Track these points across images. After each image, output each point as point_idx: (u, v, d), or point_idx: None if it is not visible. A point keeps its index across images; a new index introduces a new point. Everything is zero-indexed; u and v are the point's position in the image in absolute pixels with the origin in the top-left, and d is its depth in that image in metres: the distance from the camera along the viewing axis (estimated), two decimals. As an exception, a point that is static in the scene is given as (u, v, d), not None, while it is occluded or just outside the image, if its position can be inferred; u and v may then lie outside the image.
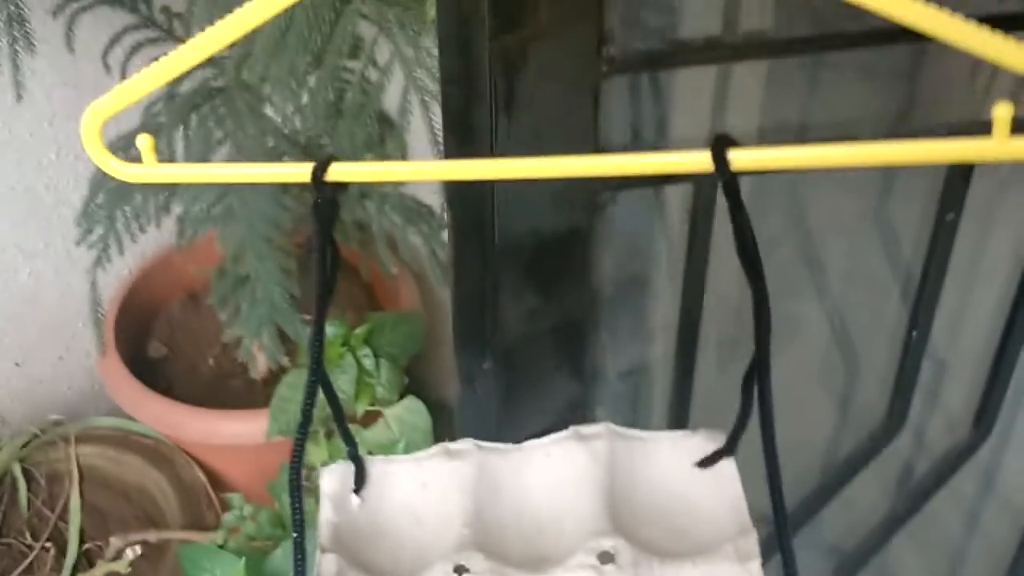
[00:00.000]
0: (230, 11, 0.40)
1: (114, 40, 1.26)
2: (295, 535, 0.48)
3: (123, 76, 1.27)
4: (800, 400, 0.91)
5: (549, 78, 0.55)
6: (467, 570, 0.47)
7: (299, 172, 0.44)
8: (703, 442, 0.52)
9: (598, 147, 0.59)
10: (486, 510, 0.50)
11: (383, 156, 1.09)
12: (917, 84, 0.77)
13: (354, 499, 0.52)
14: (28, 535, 1.40)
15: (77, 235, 1.23)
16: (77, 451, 1.47)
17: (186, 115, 1.14)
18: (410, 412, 1.21)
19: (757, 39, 0.60)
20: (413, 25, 0.97)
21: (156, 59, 0.42)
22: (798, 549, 0.86)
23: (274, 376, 1.39)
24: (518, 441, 0.53)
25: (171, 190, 1.20)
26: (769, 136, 0.77)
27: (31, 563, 1.37)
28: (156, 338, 1.56)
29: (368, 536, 0.51)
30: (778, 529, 0.46)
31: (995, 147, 0.37)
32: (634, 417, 0.89)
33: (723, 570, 0.46)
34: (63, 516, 1.41)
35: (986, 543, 0.96)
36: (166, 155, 1.14)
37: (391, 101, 1.05)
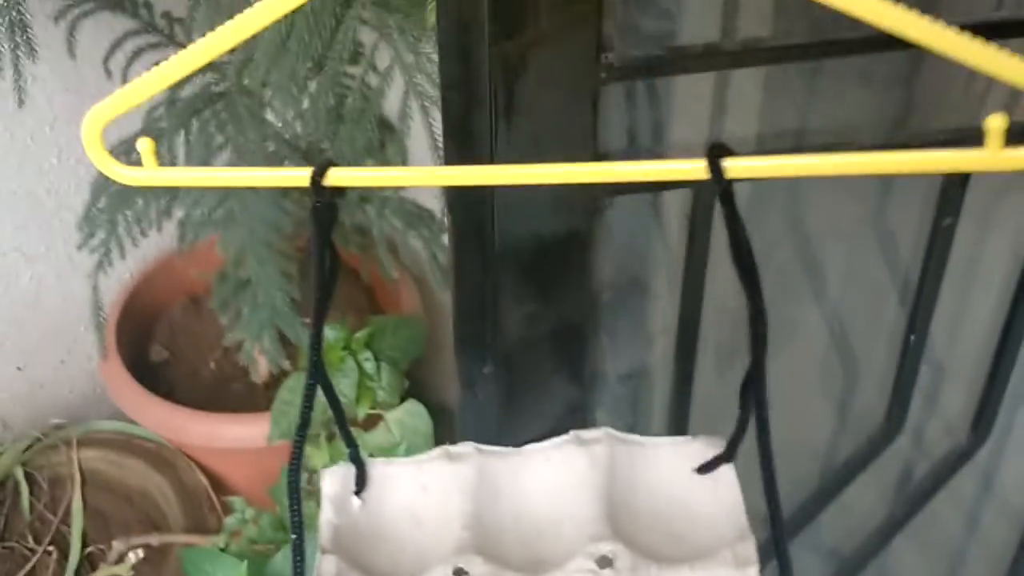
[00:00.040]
0: (231, 16, 0.41)
1: (115, 45, 1.26)
2: (294, 537, 0.48)
3: (124, 81, 1.27)
4: (799, 403, 0.91)
5: (548, 84, 0.55)
6: (466, 573, 0.47)
7: (298, 176, 0.44)
8: (703, 448, 0.52)
9: (597, 153, 0.59)
10: (486, 513, 0.50)
11: (383, 161, 1.09)
12: (915, 89, 0.77)
13: (355, 501, 0.52)
14: (30, 539, 1.40)
15: (79, 239, 1.23)
16: (79, 455, 1.47)
17: (187, 120, 1.14)
18: (411, 415, 1.22)
19: (755, 46, 0.60)
20: (413, 31, 0.97)
21: (157, 64, 0.42)
22: (797, 552, 0.86)
23: (275, 380, 1.39)
24: (519, 444, 0.53)
25: (172, 194, 1.21)
26: (768, 141, 0.77)
27: (33, 567, 1.37)
28: (158, 342, 1.56)
29: (368, 538, 0.51)
30: (775, 537, 0.46)
31: (988, 158, 0.37)
32: (634, 420, 0.89)
33: (721, 575, 0.47)
34: (65, 520, 1.41)
35: (985, 545, 0.96)
36: (167, 160, 1.14)
37: (391, 106, 1.06)
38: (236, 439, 1.36)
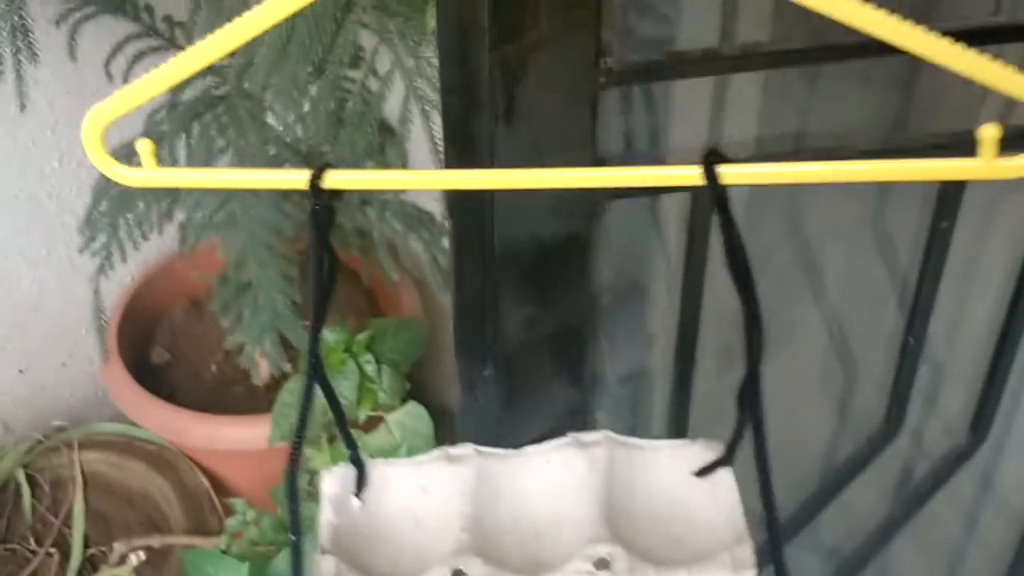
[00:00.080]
0: (232, 20, 0.41)
1: (116, 49, 1.26)
2: (292, 537, 0.49)
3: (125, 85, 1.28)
4: (799, 404, 0.91)
5: (548, 89, 0.55)
6: (465, 574, 0.47)
7: (296, 179, 0.44)
8: (701, 451, 0.52)
9: (596, 156, 0.59)
10: (485, 515, 0.51)
11: (384, 164, 1.09)
12: (914, 91, 0.77)
13: (354, 502, 0.52)
14: (32, 541, 1.40)
15: (80, 242, 1.24)
16: (81, 457, 1.48)
17: (188, 123, 1.15)
18: (412, 417, 1.22)
19: (754, 50, 0.61)
20: (413, 35, 0.97)
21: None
22: (798, 552, 0.86)
23: (276, 382, 1.40)
24: (519, 446, 0.53)
25: (173, 197, 1.21)
26: (767, 144, 0.77)
27: (35, 569, 1.37)
28: (159, 344, 1.56)
29: (367, 539, 0.51)
30: (771, 541, 0.46)
31: (982, 167, 0.38)
32: (634, 422, 0.89)
33: (718, 578, 0.47)
34: (67, 522, 1.42)
35: (984, 545, 0.96)
36: (168, 163, 1.14)
37: (392, 110, 1.06)
38: (237, 441, 1.36)
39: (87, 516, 1.42)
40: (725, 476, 0.51)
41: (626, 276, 0.81)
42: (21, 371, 1.59)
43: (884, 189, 0.82)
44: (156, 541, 1.40)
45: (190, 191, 1.17)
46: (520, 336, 0.65)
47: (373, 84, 1.05)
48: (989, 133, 0.37)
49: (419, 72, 0.98)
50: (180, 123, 1.14)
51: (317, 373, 0.47)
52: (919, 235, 0.71)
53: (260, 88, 1.04)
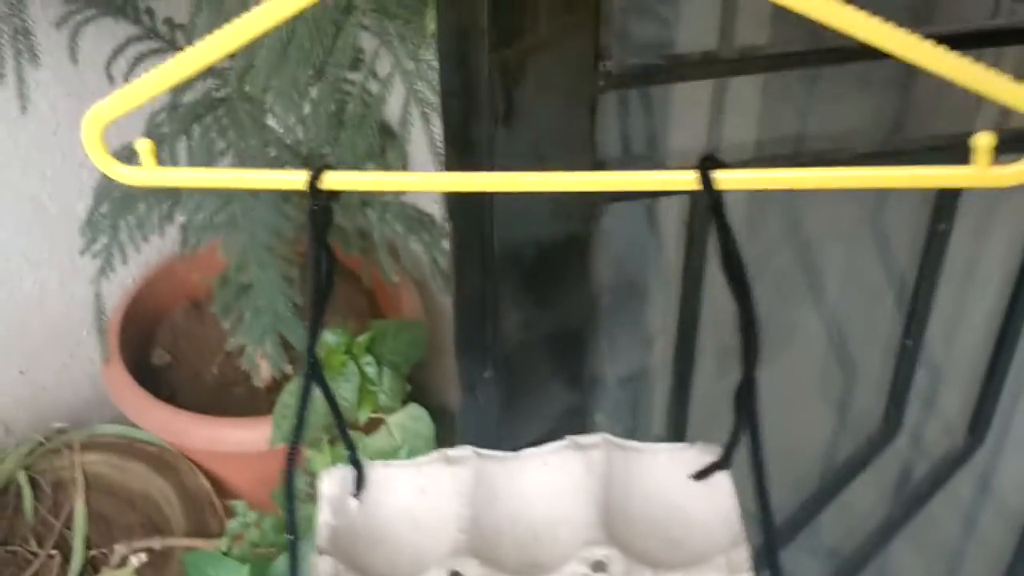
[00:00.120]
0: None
1: (117, 51, 1.26)
2: (289, 537, 0.49)
3: (126, 87, 1.28)
4: (798, 405, 0.91)
5: (547, 91, 0.56)
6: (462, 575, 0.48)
7: (294, 179, 0.44)
8: (699, 455, 0.52)
9: (596, 159, 0.59)
10: (483, 516, 0.51)
11: (384, 166, 1.09)
12: (913, 93, 0.78)
13: (353, 502, 0.53)
14: (33, 542, 1.40)
15: (81, 244, 1.24)
16: (82, 459, 1.48)
17: (189, 125, 1.15)
18: (412, 419, 1.22)
19: (752, 53, 0.61)
20: (413, 38, 0.97)
21: (158, 68, 0.43)
22: (797, 552, 0.86)
23: (277, 384, 1.40)
24: (519, 447, 0.53)
25: (174, 199, 1.21)
26: (766, 147, 0.77)
27: (36, 571, 1.38)
28: (160, 346, 1.56)
29: (366, 539, 0.51)
30: (767, 545, 0.46)
31: (977, 175, 0.38)
32: (633, 424, 0.89)
33: (714, 580, 0.47)
34: (68, 524, 1.42)
35: (983, 545, 0.96)
36: (169, 164, 1.14)
37: (392, 113, 1.06)
38: (238, 443, 1.36)
39: (88, 518, 1.42)
40: (722, 479, 0.51)
41: (625, 278, 0.82)
42: (22, 372, 1.59)
43: (881, 193, 0.82)
44: (157, 543, 1.40)
45: (191, 193, 1.17)
46: (520, 337, 0.65)
47: (373, 87, 1.05)
48: (983, 141, 0.37)
49: (419, 75, 0.98)
50: (181, 125, 1.14)
51: (315, 374, 0.48)
52: (917, 237, 0.72)
53: (261, 90, 1.04)
